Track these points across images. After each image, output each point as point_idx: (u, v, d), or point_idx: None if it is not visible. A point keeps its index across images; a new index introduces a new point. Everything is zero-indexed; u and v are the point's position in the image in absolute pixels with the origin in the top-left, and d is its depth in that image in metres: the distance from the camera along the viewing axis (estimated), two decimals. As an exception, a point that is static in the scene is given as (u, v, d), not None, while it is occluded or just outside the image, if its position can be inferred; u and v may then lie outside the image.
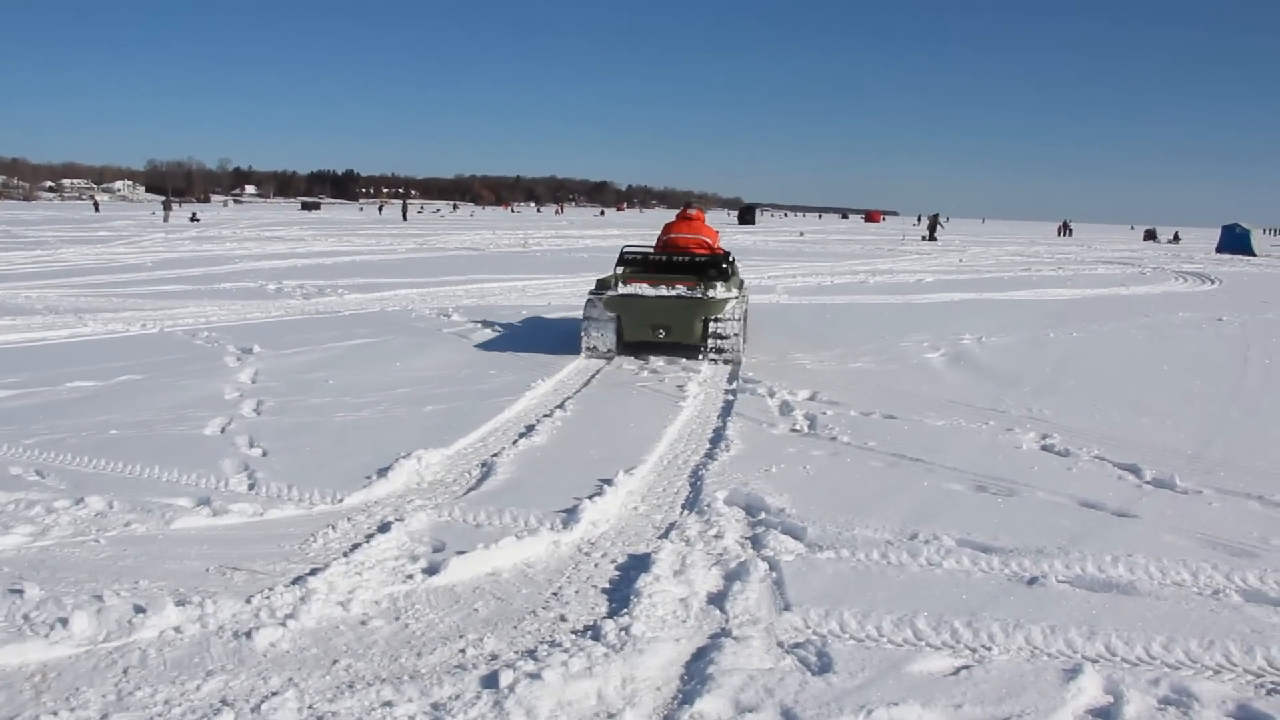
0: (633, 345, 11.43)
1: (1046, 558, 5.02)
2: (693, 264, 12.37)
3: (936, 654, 4.01)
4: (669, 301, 11.00)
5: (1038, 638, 4.15)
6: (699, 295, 10.90)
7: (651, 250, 12.69)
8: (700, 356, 11.10)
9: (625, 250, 12.61)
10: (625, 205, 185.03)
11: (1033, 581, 4.75)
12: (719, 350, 11.01)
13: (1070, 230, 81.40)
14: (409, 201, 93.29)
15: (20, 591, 4.33)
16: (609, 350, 11.19)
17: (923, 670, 3.86)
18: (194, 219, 58.24)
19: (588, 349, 11.22)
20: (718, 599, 4.51)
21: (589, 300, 11.24)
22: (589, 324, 11.18)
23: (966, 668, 3.88)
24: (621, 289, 11.13)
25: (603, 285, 11.42)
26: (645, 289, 11.12)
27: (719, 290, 10.94)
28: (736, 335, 11.00)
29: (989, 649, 4.07)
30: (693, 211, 13.41)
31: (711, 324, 10.94)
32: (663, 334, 11.15)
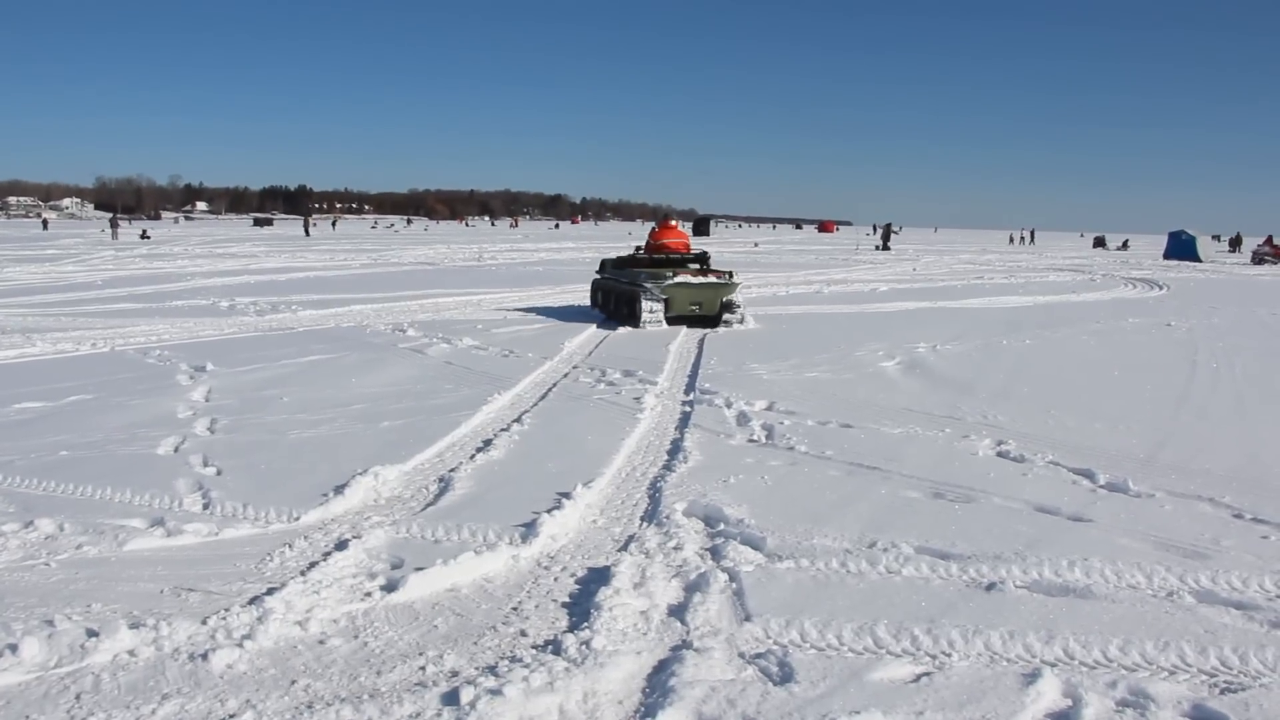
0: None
1: (1004, 563, 5.06)
2: (681, 260, 16.90)
3: (897, 661, 4.03)
4: (704, 287, 15.76)
5: (997, 643, 4.18)
6: (724, 281, 15.90)
7: (663, 253, 17.09)
8: (718, 325, 15.48)
9: (638, 253, 17.57)
10: (580, 218, 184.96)
11: (991, 587, 4.79)
12: (733, 319, 15.67)
13: (1033, 237, 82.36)
14: (313, 218, 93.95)
15: (-32, 618, 4.24)
16: (659, 322, 15.35)
17: (884, 678, 3.87)
18: (144, 236, 57.56)
19: (647, 323, 15.25)
20: (678, 611, 4.51)
21: (646, 289, 15.49)
22: (648, 305, 15.33)
23: (927, 674, 3.90)
24: (672, 280, 15.53)
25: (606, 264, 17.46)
26: (690, 279, 15.74)
27: (733, 278, 16.08)
28: (740, 308, 15.91)
29: (949, 655, 4.10)
30: (673, 222, 18.49)
31: (728, 300, 15.81)
32: (696, 309, 15.68)
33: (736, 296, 15.95)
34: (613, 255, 18.82)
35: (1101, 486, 6.58)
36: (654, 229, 18.16)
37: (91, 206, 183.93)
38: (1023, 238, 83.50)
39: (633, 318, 15.66)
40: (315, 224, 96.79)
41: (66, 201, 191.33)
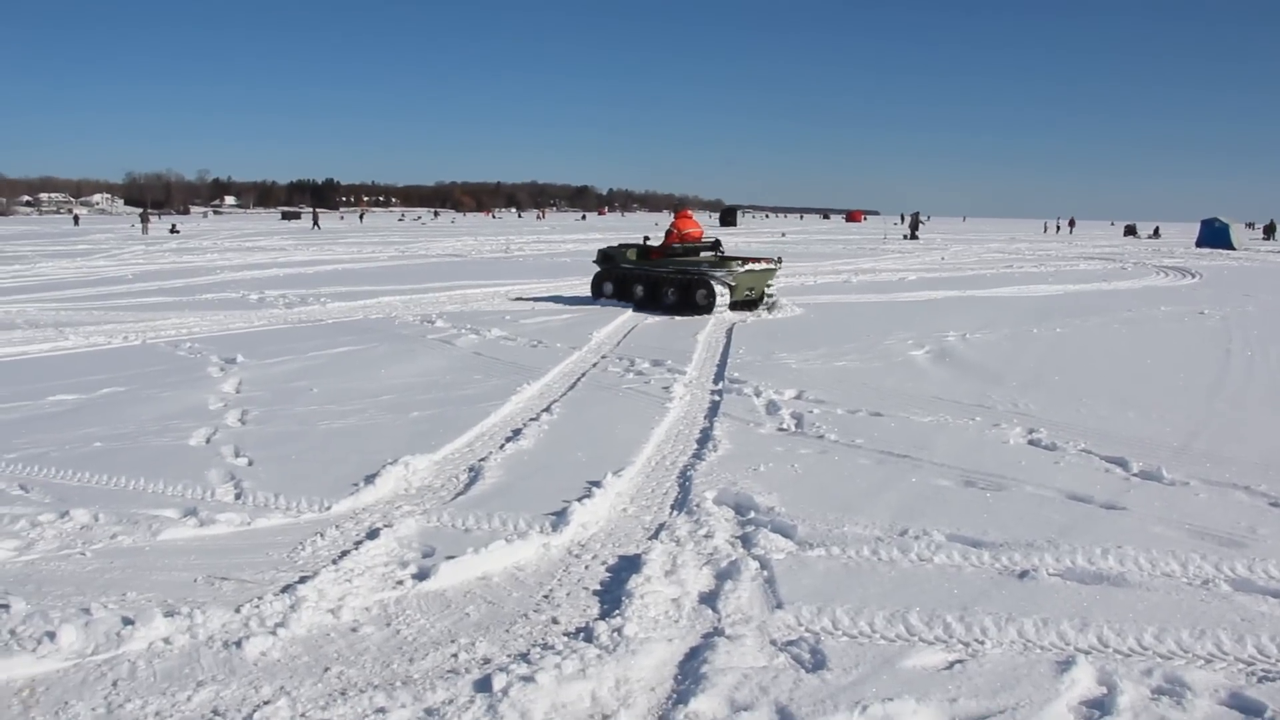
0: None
1: (1037, 551, 5.03)
2: (699, 247, 17.62)
3: (929, 649, 4.01)
4: (762, 273, 16.86)
5: (1030, 631, 4.16)
6: (775, 267, 17.20)
7: (688, 242, 17.59)
8: (756, 310, 16.51)
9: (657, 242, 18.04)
10: (607, 209, 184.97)
11: (1024, 575, 4.76)
12: (772, 302, 17.02)
13: (1073, 226, 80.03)
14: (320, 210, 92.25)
15: (6, 606, 4.28)
16: (726, 305, 16.12)
17: (916, 665, 3.86)
18: (174, 230, 58.04)
19: (719, 307, 16.03)
20: (709, 598, 4.51)
21: (716, 277, 16.25)
22: (720, 291, 16.10)
23: (960, 662, 3.88)
24: (742, 269, 16.42)
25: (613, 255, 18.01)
26: (754, 266, 16.66)
27: (780, 263, 17.64)
28: (775, 293, 17.50)
29: (982, 643, 4.07)
30: (689, 211, 18.86)
31: (769, 286, 17.22)
32: (749, 294, 16.66)
33: (774, 282, 17.48)
34: (615, 245, 19.00)
35: (1135, 475, 6.52)
36: (674, 219, 18.32)
37: (122, 202, 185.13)
38: (1059, 226, 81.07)
39: (693, 306, 16.36)
40: (333, 213, 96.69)
41: (97, 197, 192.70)
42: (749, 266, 16.58)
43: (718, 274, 16.36)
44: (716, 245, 17.83)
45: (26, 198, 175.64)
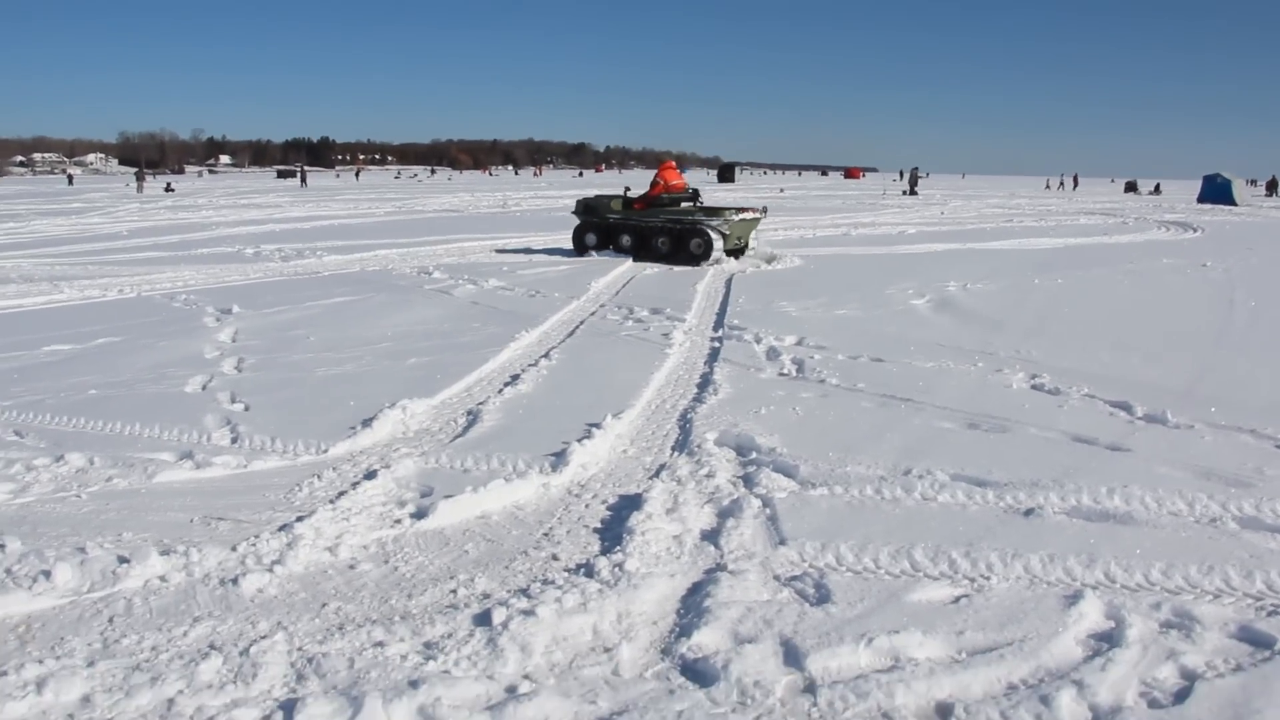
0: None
1: (1042, 490, 4.97)
2: (681, 198, 17.68)
3: (935, 584, 3.97)
4: (750, 222, 17.31)
5: (1036, 566, 4.11)
6: (759, 217, 17.55)
7: (669, 194, 17.61)
8: (738, 257, 16.84)
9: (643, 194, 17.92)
10: (604, 166, 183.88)
11: (1029, 513, 4.71)
12: (752, 252, 17.35)
13: (1076, 183, 78.75)
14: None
15: (2, 546, 4.23)
16: (722, 253, 16.29)
17: (922, 599, 3.81)
18: (169, 189, 57.63)
19: (716, 252, 16.13)
20: (711, 535, 4.46)
21: (713, 226, 16.31)
22: (717, 241, 16.16)
23: (966, 596, 3.84)
24: (736, 218, 16.64)
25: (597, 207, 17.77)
26: (745, 215, 16.97)
27: (766, 213, 18.08)
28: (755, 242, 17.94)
29: (988, 578, 4.03)
30: (673, 163, 18.90)
31: (753, 234, 17.78)
32: (739, 241, 17.01)
33: (756, 232, 18.14)
34: (593, 196, 19.03)
35: (1139, 418, 6.45)
36: (659, 171, 18.34)
37: (116, 162, 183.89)
38: (1062, 183, 80.00)
39: (686, 254, 16.39)
40: (328, 171, 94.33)
41: (91, 157, 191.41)
42: (741, 215, 16.85)
43: (713, 223, 16.48)
44: (696, 196, 18.01)
45: (20, 158, 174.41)
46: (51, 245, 20.10)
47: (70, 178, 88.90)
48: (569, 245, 17.94)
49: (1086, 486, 4.99)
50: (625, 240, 17.14)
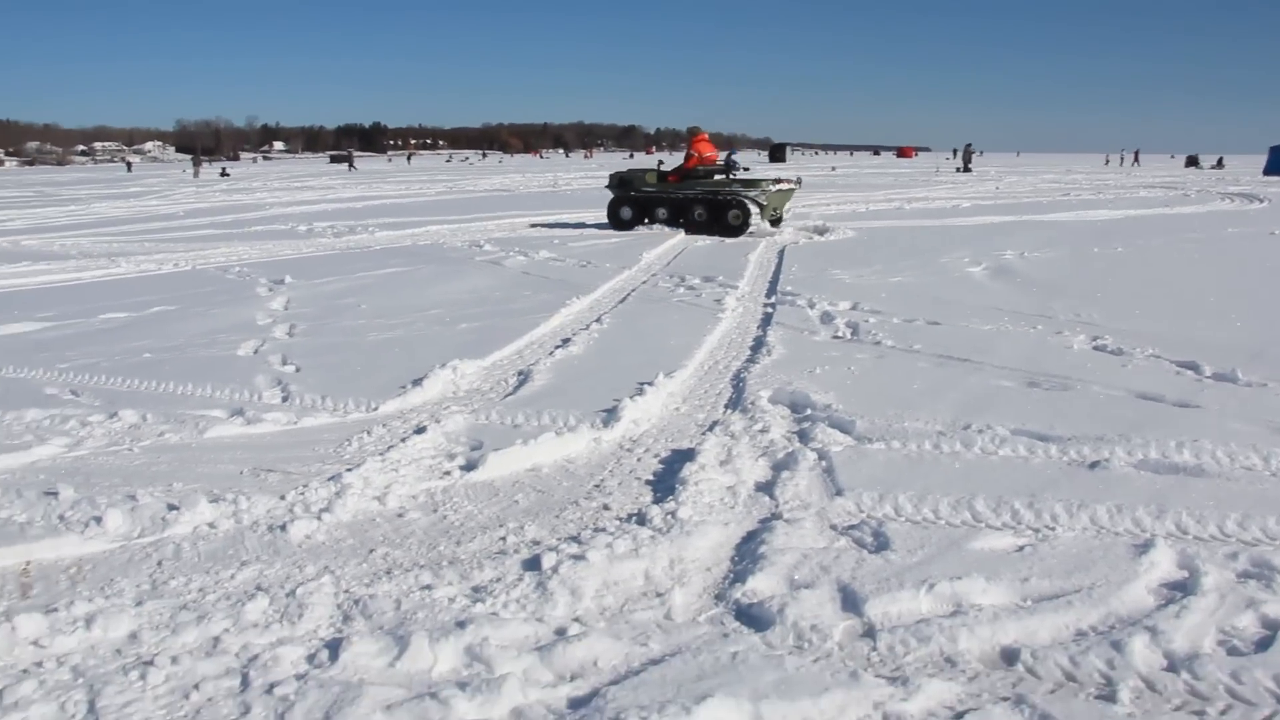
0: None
1: (1107, 444, 4.79)
2: (713, 170, 17.35)
3: (998, 534, 3.83)
4: (785, 193, 17.11)
5: (1103, 517, 3.96)
6: (793, 188, 17.47)
7: (705, 165, 17.40)
8: (775, 225, 17.08)
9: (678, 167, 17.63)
10: (654, 149, 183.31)
11: (1094, 465, 4.55)
12: (783, 224, 17.42)
13: (1137, 159, 76.73)
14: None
15: (55, 493, 4.24)
16: (762, 223, 16.54)
17: (984, 547, 3.68)
18: (224, 174, 58.33)
19: (755, 222, 16.31)
20: (766, 487, 4.35)
21: (751, 198, 16.36)
22: (756, 211, 16.31)
23: (1030, 545, 3.70)
24: (774, 189, 16.58)
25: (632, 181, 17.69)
26: (782, 186, 16.90)
27: (800, 184, 18.17)
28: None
29: (1053, 528, 3.89)
30: (705, 134, 18.09)
31: (787, 205, 17.72)
32: (775, 212, 17.00)
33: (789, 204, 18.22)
34: (625, 170, 18.76)
35: (1208, 377, 6.22)
36: (692, 143, 17.93)
37: (173, 149, 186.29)
38: (1122, 159, 78.01)
39: (724, 226, 16.40)
40: (379, 156, 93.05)
41: (149, 145, 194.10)
42: (779, 186, 16.81)
43: (751, 194, 16.48)
44: (729, 168, 17.68)
45: (81, 147, 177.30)
46: (110, 225, 20.36)
47: (129, 165, 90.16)
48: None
49: (1155, 440, 4.81)
50: (661, 213, 17.11)
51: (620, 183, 17.89)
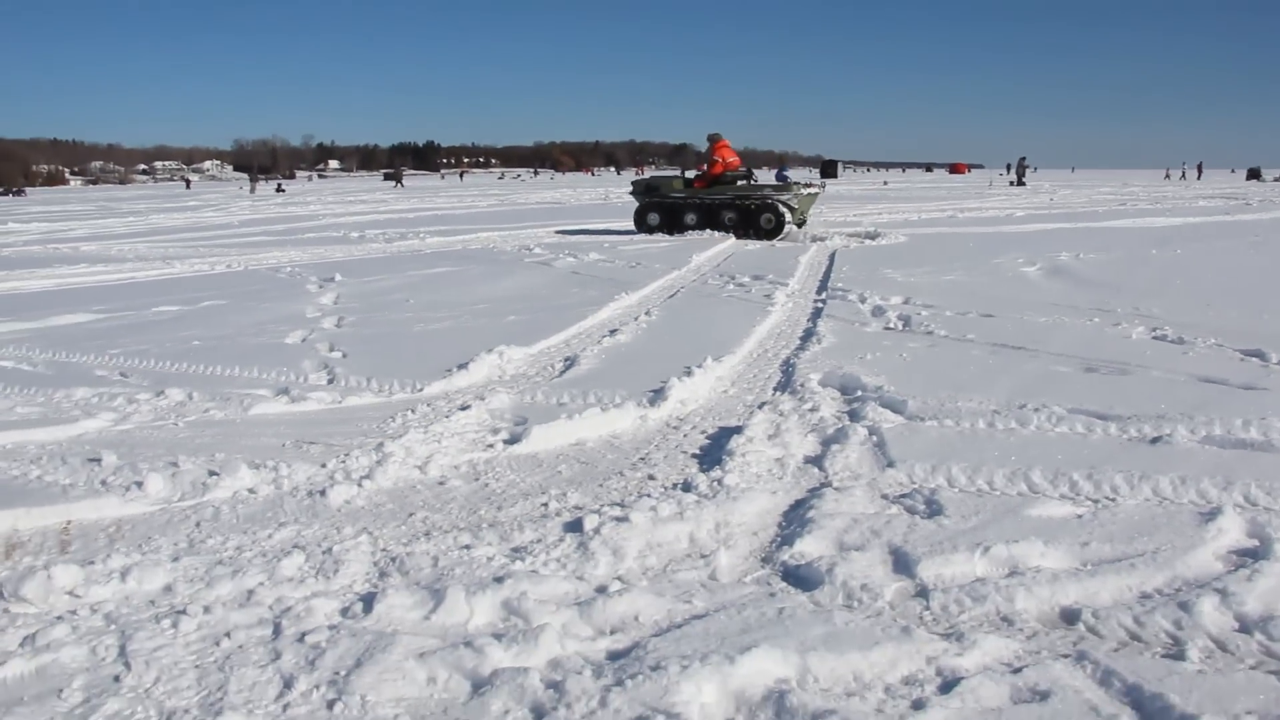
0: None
1: (1169, 422, 4.63)
2: (737, 176, 17.33)
3: (1055, 503, 3.70)
4: (812, 196, 17.78)
5: (1167, 489, 3.81)
6: (818, 191, 18.15)
7: (730, 170, 17.34)
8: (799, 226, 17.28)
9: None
10: (706, 165, 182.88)
11: (1156, 440, 4.39)
12: (805, 226, 17.69)
13: (1200, 173, 74.31)
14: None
15: (98, 460, 4.24)
16: (790, 223, 16.64)
17: (1042, 514, 3.55)
18: (280, 190, 59.14)
19: (788, 226, 16.48)
20: (815, 460, 4.25)
21: (783, 201, 16.46)
22: (787, 214, 16.43)
23: (1090, 513, 3.56)
24: (806, 191, 17.26)
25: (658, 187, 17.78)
26: (812, 189, 17.80)
27: (825, 189, 19.12)
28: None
29: (1113, 499, 3.74)
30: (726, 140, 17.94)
31: (811, 209, 18.19)
32: (802, 215, 17.47)
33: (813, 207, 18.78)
34: (649, 177, 19.38)
35: (1275, 363, 6.02)
36: (714, 148, 17.67)
37: (230, 168, 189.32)
38: (1184, 173, 75.65)
39: (756, 230, 16.45)
40: (433, 174, 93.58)
41: (207, 164, 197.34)
42: (809, 189, 17.48)
43: (784, 197, 16.65)
44: (750, 174, 17.65)
45: (142, 166, 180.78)
46: (166, 233, 20.64)
47: (188, 182, 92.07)
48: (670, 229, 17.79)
49: (1219, 419, 4.64)
50: (690, 219, 16.98)
51: (646, 189, 17.84)
